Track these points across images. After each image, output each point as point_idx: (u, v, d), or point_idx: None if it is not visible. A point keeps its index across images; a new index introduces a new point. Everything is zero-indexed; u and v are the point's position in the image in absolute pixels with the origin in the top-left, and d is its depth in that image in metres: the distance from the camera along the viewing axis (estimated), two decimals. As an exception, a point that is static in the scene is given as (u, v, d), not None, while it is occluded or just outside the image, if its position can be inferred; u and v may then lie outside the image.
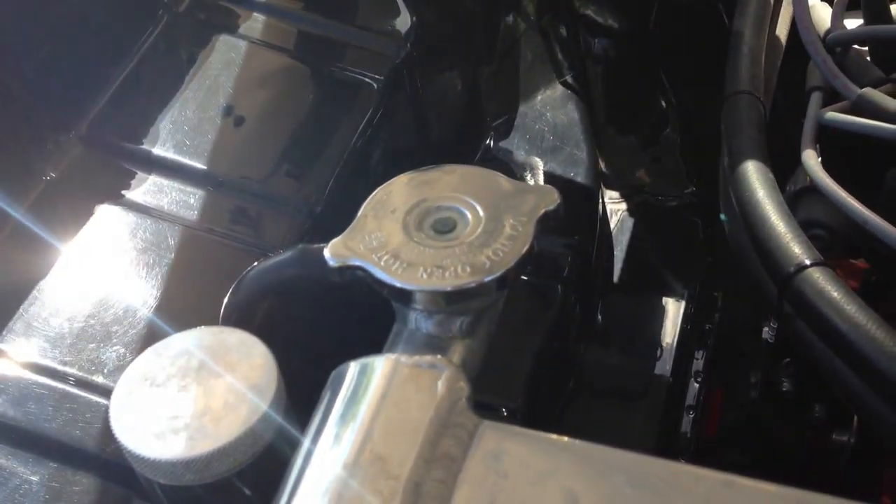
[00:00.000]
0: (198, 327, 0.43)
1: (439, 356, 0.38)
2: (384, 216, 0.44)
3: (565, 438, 0.35)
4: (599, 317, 1.06)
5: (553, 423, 0.90)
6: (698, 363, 1.06)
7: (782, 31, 0.90)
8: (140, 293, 0.66)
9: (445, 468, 0.34)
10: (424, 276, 0.41)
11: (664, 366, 1.04)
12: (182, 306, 0.67)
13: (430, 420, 0.35)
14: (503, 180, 0.45)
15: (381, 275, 0.41)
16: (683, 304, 1.09)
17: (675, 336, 1.06)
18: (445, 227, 0.43)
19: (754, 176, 0.70)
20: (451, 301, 0.41)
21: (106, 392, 0.62)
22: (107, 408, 0.61)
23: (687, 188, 1.16)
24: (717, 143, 0.87)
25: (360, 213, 0.45)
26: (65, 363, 0.63)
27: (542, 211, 0.43)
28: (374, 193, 0.46)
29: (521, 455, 0.35)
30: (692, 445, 1.00)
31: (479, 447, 0.35)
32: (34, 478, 0.59)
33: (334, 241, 0.43)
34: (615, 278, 1.10)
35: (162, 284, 0.68)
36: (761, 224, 0.66)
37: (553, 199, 0.44)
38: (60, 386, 0.62)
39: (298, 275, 0.44)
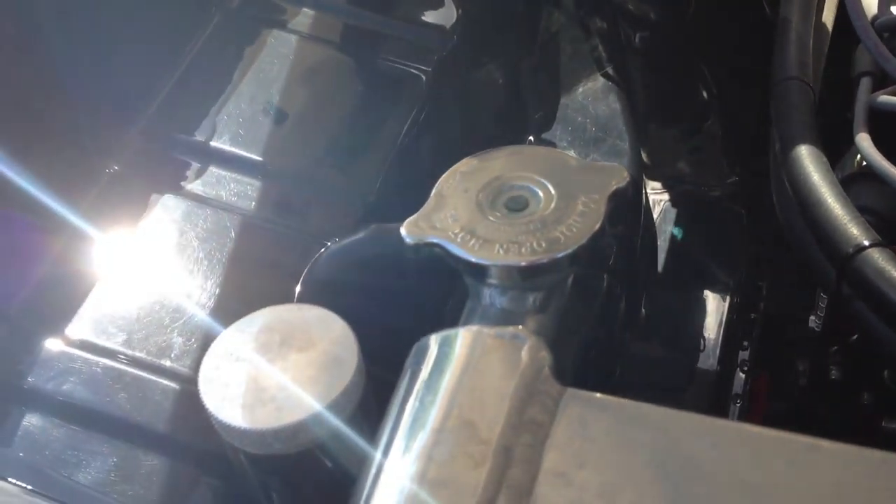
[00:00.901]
0: (278, 305, 0.45)
1: (520, 327, 0.39)
2: (458, 195, 0.45)
3: (650, 405, 0.35)
4: (643, 309, 1.06)
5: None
6: (744, 353, 1.06)
7: (828, 17, 0.90)
8: (202, 281, 0.68)
9: (533, 433, 0.35)
10: (501, 251, 0.42)
11: (709, 357, 1.04)
12: (242, 294, 0.68)
13: (516, 387, 0.36)
14: (572, 159, 0.46)
15: (457, 251, 0.43)
16: (728, 294, 1.09)
17: (720, 327, 1.06)
18: (518, 205, 0.44)
19: (808, 159, 0.71)
20: (526, 276, 0.42)
21: (173, 376, 0.63)
22: (174, 390, 0.63)
23: (729, 178, 1.16)
24: (759, 133, 0.87)
25: (433, 192, 0.46)
26: (133, 348, 0.65)
27: (613, 188, 0.44)
28: (445, 174, 0.47)
29: (607, 421, 0.35)
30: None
31: (564, 414, 0.36)
32: (105, 459, 0.61)
33: (410, 219, 0.45)
34: (659, 268, 1.11)
35: (222, 272, 0.69)
36: (817, 206, 0.66)
37: (623, 176, 0.45)
38: (129, 370, 0.63)
39: (373, 253, 0.46)
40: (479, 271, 0.43)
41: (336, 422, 0.41)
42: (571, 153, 1.00)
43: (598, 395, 0.36)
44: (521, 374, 0.36)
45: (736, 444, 0.34)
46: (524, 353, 0.37)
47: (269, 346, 0.42)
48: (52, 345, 0.65)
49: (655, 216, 1.14)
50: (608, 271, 0.93)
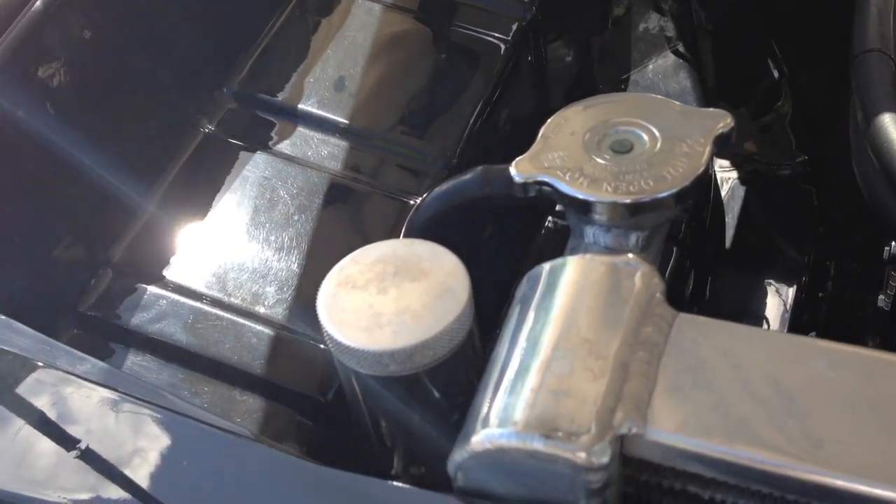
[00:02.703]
0: (389, 240, 0.46)
1: (631, 255, 0.40)
2: (564, 138, 0.46)
3: (762, 329, 0.37)
4: (710, 286, 1.07)
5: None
6: (812, 332, 1.06)
7: (909, -9, 0.89)
8: (292, 234, 0.70)
9: (649, 351, 0.36)
10: (608, 188, 0.43)
11: (778, 333, 1.03)
12: (330, 247, 0.70)
13: (631, 309, 0.37)
14: (676, 104, 0.47)
15: (566, 189, 0.44)
16: (797, 273, 1.09)
17: (788, 305, 1.06)
18: (624, 147, 0.45)
19: (892, 126, 0.71)
20: (633, 213, 0.43)
21: (267, 322, 0.66)
22: (269, 336, 0.65)
23: (798, 157, 1.15)
24: (830, 112, 0.87)
25: (539, 135, 0.47)
26: (229, 295, 0.67)
27: (718, 132, 0.45)
28: (550, 119, 0.48)
29: (721, 342, 0.37)
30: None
31: (678, 334, 0.37)
32: (203, 397, 0.64)
33: (518, 159, 0.46)
34: (727, 246, 1.11)
35: (312, 227, 0.72)
36: (903, 170, 0.66)
37: (727, 122, 0.46)
38: (227, 315, 0.66)
39: (481, 192, 0.47)
40: (586, 208, 0.44)
41: (450, 346, 0.43)
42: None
43: (711, 319, 0.38)
44: (636, 297, 0.38)
45: (851, 366, 0.35)
46: (637, 279, 0.38)
47: (384, 275, 0.44)
48: (153, 289, 0.67)
49: (724, 194, 1.14)
50: (678, 243, 0.94)
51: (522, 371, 0.37)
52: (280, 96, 0.79)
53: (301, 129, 0.79)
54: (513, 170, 0.46)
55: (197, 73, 0.79)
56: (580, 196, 0.44)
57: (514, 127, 0.87)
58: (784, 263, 1.10)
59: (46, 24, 0.67)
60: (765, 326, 1.05)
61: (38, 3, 0.67)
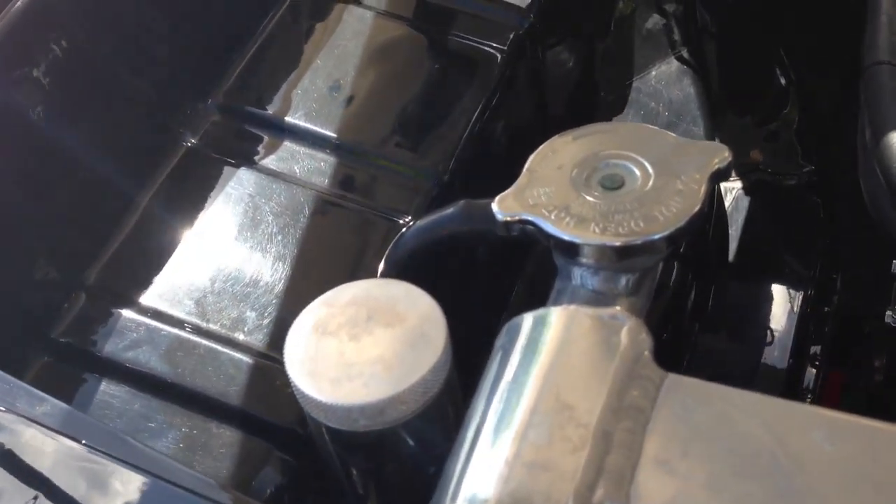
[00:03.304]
0: (364, 280, 0.44)
1: (618, 307, 0.37)
2: (551, 172, 0.44)
3: (757, 394, 0.34)
4: (712, 300, 1.04)
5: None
6: (816, 347, 1.04)
7: (921, 0, 0.87)
8: (275, 256, 0.68)
9: (633, 419, 0.34)
10: (596, 230, 0.41)
11: (782, 350, 1.01)
12: (315, 269, 0.68)
13: (616, 370, 0.35)
14: (670, 137, 0.45)
15: (551, 228, 0.41)
16: (802, 286, 1.06)
17: (792, 319, 1.04)
18: (614, 183, 0.43)
19: (902, 146, 0.68)
20: (621, 256, 0.41)
21: (247, 349, 0.63)
22: (248, 364, 0.63)
23: (805, 167, 1.13)
24: (838, 121, 0.84)
25: (525, 168, 0.44)
26: (208, 321, 0.65)
27: (715, 167, 0.42)
28: (537, 150, 0.45)
29: (711, 409, 0.34)
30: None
31: (666, 399, 0.34)
32: (179, 429, 0.61)
33: (502, 195, 0.43)
34: (730, 258, 1.08)
35: (296, 247, 0.69)
36: (914, 197, 0.63)
37: (724, 156, 0.43)
38: (204, 342, 0.63)
39: (462, 230, 0.44)
40: (572, 250, 0.41)
41: (424, 399, 0.40)
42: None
43: (702, 381, 0.35)
44: (621, 356, 0.35)
45: (852, 438, 0.32)
46: (624, 335, 0.36)
47: (356, 320, 0.41)
48: (128, 314, 0.65)
49: (728, 204, 1.12)
50: (679, 259, 0.92)
51: (497, 438, 0.34)
52: (266, 109, 0.77)
53: (287, 144, 0.76)
54: (495, 206, 0.43)
55: (180, 85, 0.76)
56: (566, 237, 0.41)
57: (512, 140, 0.85)
58: (789, 276, 1.08)
59: (18, 33, 0.65)
60: (769, 338, 1.03)
61: (9, 13, 0.64)
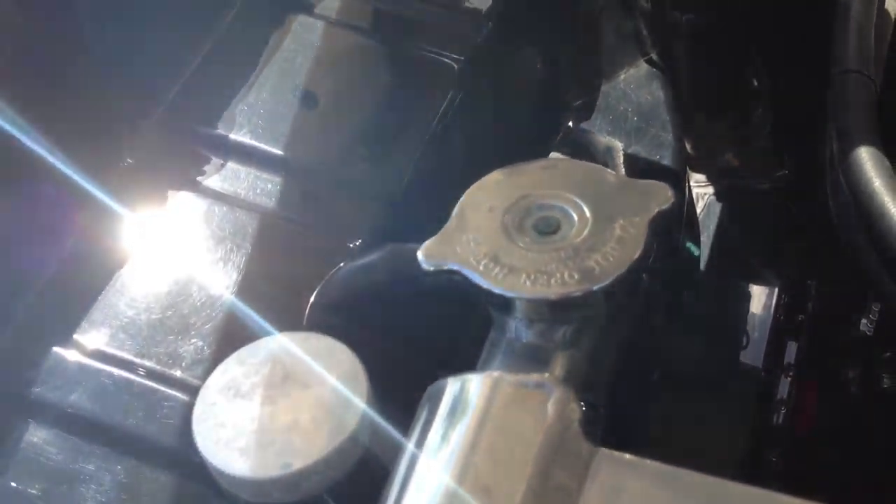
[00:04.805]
0: (283, 333, 0.41)
1: (546, 374, 0.34)
2: (481, 215, 0.41)
3: (691, 472, 0.31)
4: (686, 306, 1.02)
5: (638, 417, 0.87)
6: (790, 356, 1.02)
7: (892, 3, 0.84)
8: (218, 283, 0.64)
9: (559, 502, 0.31)
10: (528, 283, 0.38)
11: (755, 358, 0.99)
12: (260, 297, 0.65)
13: (540, 448, 0.32)
14: (610, 175, 0.42)
15: (480, 280, 0.38)
16: (775, 293, 1.05)
17: (766, 327, 1.02)
18: (549, 228, 0.40)
19: (869, 163, 0.66)
20: (556, 310, 0.38)
21: (183, 386, 0.60)
22: (184, 402, 0.60)
23: (779, 171, 1.10)
24: (813, 125, 0.82)
25: (454, 211, 0.41)
26: (142, 356, 0.61)
27: (655, 210, 0.39)
28: (469, 190, 0.42)
29: (643, 489, 0.31)
30: (784, 441, 0.96)
31: (595, 479, 0.31)
32: (109, 474, 0.58)
33: (428, 242, 0.40)
34: (702, 266, 1.06)
35: (240, 274, 0.66)
36: (880, 217, 0.61)
37: (666, 196, 0.40)
38: (137, 379, 0.60)
39: (389, 277, 0.41)
40: (504, 303, 0.38)
41: (343, 467, 0.37)
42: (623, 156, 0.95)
43: (634, 457, 0.32)
44: (547, 432, 0.32)
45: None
46: (550, 407, 0.33)
47: (273, 380, 0.38)
48: (59, 352, 0.62)
49: (699, 211, 1.10)
50: (647, 270, 0.89)
51: (411, 524, 0.31)
52: (209, 126, 0.73)
53: (232, 164, 0.73)
54: (420, 255, 0.40)
55: (117, 101, 0.73)
56: (495, 291, 0.38)
57: (472, 154, 0.82)
58: (762, 284, 1.06)
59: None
60: (742, 347, 1.00)
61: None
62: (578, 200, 0.40)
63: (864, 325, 0.93)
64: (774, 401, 0.98)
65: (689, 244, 0.76)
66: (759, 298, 1.05)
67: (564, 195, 0.40)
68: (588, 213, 0.40)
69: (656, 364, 0.95)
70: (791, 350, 1.02)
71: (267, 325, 0.55)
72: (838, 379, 0.97)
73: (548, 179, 0.41)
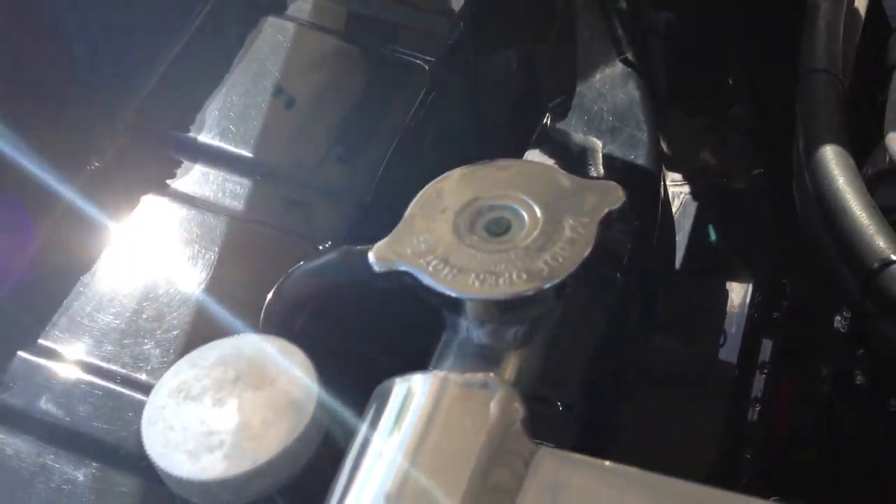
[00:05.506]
0: (236, 335, 0.41)
1: (492, 374, 0.34)
2: (433, 216, 0.41)
3: (630, 469, 0.31)
4: (661, 304, 1.02)
5: (613, 416, 0.87)
6: (765, 354, 1.02)
7: (861, 2, 0.85)
8: (186, 287, 0.64)
9: (498, 501, 0.31)
10: (476, 283, 0.38)
11: (730, 356, 1.00)
12: (229, 300, 0.64)
13: (482, 447, 0.32)
14: (562, 176, 0.42)
15: (429, 281, 0.38)
16: (750, 291, 1.05)
17: (740, 325, 1.02)
18: (499, 229, 0.40)
19: (833, 162, 0.66)
20: (505, 310, 0.38)
21: (149, 390, 0.59)
22: (151, 407, 0.60)
23: (755, 170, 1.11)
24: (788, 123, 0.82)
25: (407, 212, 0.41)
26: (108, 360, 0.61)
27: (605, 210, 0.40)
28: (422, 191, 0.42)
29: (581, 487, 0.31)
30: (759, 440, 0.96)
31: (535, 478, 0.32)
32: (77, 477, 0.58)
33: (379, 243, 0.40)
34: (678, 265, 1.06)
35: (208, 278, 0.66)
36: (842, 214, 0.61)
37: (617, 196, 0.40)
38: (104, 383, 0.60)
39: (342, 279, 0.42)
40: (454, 304, 0.38)
41: (291, 469, 0.37)
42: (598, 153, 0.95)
43: (575, 454, 0.32)
44: (489, 431, 0.32)
45: (729, 522, 0.29)
46: (493, 406, 0.33)
47: (223, 382, 0.38)
48: (25, 356, 0.61)
49: (675, 210, 1.10)
50: (622, 269, 0.89)
51: (353, 524, 0.31)
52: (179, 128, 0.73)
53: (201, 166, 0.72)
54: (371, 256, 0.40)
55: (85, 104, 0.72)
56: (444, 291, 0.38)
57: (444, 155, 0.82)
58: (738, 282, 1.06)
59: None
60: (717, 346, 1.01)
61: None
62: (530, 201, 0.40)
63: (839, 322, 0.93)
64: (749, 398, 0.98)
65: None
66: (735, 296, 1.06)
67: (516, 196, 0.41)
68: (539, 214, 0.40)
69: (632, 362, 0.95)
70: (766, 348, 1.02)
71: (237, 328, 0.55)
72: (813, 376, 0.97)
73: (502, 180, 0.42)
